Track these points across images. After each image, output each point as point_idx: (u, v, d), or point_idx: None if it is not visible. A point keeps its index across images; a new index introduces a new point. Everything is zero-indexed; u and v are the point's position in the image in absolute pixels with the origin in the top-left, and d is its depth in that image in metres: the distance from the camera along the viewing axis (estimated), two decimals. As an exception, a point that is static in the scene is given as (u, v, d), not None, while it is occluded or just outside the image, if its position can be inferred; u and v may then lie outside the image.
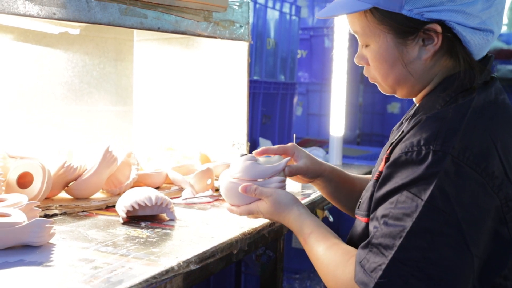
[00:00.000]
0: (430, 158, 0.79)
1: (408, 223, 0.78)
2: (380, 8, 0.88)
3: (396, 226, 0.79)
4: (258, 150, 1.12)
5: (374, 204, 0.87)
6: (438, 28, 0.87)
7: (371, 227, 0.85)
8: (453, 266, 0.77)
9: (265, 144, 2.67)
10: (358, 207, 0.97)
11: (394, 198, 0.82)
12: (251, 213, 1.07)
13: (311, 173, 1.13)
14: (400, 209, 0.80)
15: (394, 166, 0.84)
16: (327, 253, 0.92)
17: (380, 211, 0.84)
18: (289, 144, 1.14)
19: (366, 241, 0.84)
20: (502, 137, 0.84)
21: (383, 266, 0.78)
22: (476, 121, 0.83)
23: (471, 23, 0.86)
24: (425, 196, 0.78)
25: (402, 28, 0.88)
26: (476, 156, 0.79)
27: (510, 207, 0.81)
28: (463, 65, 0.89)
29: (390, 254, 0.78)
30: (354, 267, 0.83)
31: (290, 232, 1.09)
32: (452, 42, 0.88)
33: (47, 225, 0.96)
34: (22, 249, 0.95)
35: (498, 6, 0.88)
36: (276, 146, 1.13)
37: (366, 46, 0.95)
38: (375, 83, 1.00)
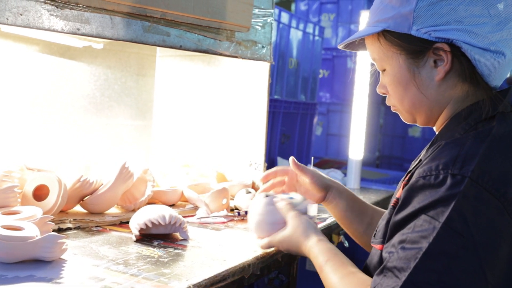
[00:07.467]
0: (448, 181, 0.78)
1: (424, 244, 0.76)
2: (391, 30, 0.91)
3: (412, 249, 0.77)
4: (265, 186, 1.21)
5: (391, 230, 0.85)
6: (446, 47, 0.88)
7: (385, 254, 0.83)
8: None
9: (283, 164, 2.65)
10: (374, 236, 0.95)
11: (411, 223, 0.80)
12: (271, 245, 1.12)
13: (319, 182, 1.18)
14: (417, 232, 0.78)
15: (412, 191, 0.83)
16: (343, 282, 0.90)
17: (397, 237, 0.82)
18: (290, 164, 1.19)
19: (381, 267, 0.82)
20: None
21: None
22: (496, 147, 0.82)
23: (479, 43, 0.86)
24: (443, 218, 0.76)
25: (412, 48, 0.90)
26: (495, 181, 0.78)
27: None
28: (475, 89, 0.90)
29: (404, 276, 0.76)
30: None
31: (304, 256, 1.08)
32: (461, 62, 0.88)
33: (59, 240, 0.96)
34: (34, 263, 0.94)
35: (511, 30, 0.87)
36: (274, 169, 1.21)
37: (383, 71, 0.98)
38: (397, 112, 1.01)
